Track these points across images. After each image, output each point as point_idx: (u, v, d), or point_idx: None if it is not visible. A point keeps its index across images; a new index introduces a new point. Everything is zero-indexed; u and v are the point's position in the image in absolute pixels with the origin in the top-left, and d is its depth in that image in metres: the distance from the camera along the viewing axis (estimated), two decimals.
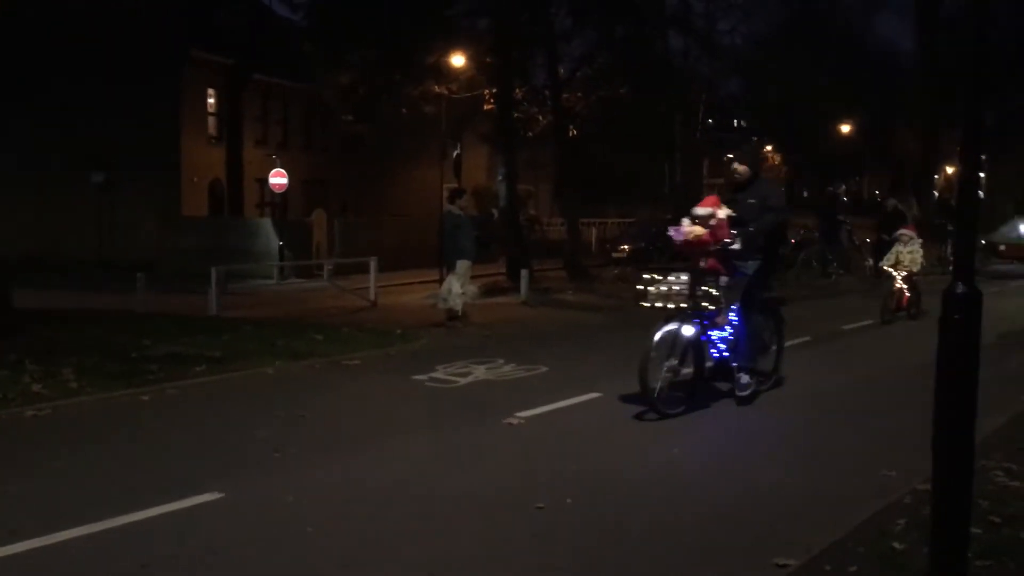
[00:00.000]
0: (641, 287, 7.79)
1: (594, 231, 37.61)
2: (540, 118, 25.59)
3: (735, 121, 56.24)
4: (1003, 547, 4.40)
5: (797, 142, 45.52)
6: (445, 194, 23.05)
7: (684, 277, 7.58)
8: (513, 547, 4.72)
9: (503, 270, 22.02)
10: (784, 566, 4.35)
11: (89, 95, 28.74)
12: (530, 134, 26.00)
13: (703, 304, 7.55)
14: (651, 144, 36.66)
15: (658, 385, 7.31)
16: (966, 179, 4.14)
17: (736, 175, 8.23)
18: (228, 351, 10.44)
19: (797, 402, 8.34)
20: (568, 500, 5.38)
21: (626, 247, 33.25)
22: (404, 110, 24.91)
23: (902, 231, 13.98)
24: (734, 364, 7.94)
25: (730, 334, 7.91)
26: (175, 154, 30.35)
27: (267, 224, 27.98)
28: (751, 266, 7.92)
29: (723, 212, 7.74)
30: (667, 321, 7.51)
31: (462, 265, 13.89)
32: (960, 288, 3.88)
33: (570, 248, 25.03)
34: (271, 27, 31.95)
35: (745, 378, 7.92)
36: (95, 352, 9.95)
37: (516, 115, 23.64)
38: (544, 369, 9.79)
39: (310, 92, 29.32)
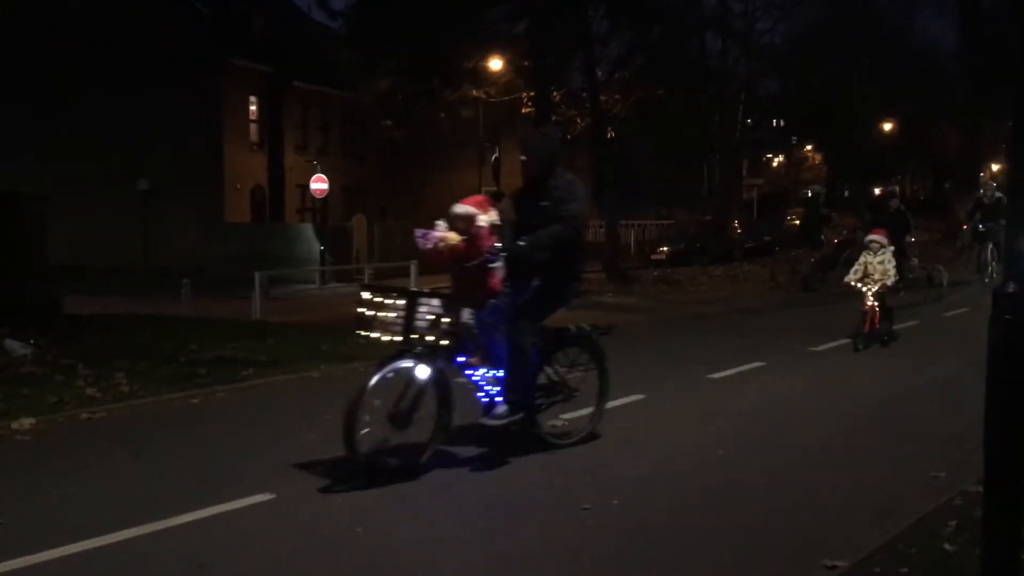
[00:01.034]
0: (362, 310, 6.01)
1: (633, 233, 37.57)
2: (578, 120, 25.62)
3: (774, 121, 55.80)
4: None
5: (837, 141, 45.04)
6: None
7: (402, 302, 5.84)
8: (561, 548, 4.75)
9: None
10: (833, 568, 4.35)
11: (132, 105, 29.33)
12: (568, 137, 26.04)
13: (430, 338, 5.75)
14: (689, 145, 36.52)
15: (371, 441, 5.67)
16: (1014, 177, 4.10)
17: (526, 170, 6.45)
18: (274, 355, 10.59)
19: (841, 404, 8.28)
20: (615, 502, 5.40)
21: (665, 248, 33.22)
22: (442, 115, 25.08)
23: (871, 237, 11.50)
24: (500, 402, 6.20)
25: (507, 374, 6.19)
26: (218, 161, 30.83)
27: (308, 229, 28.33)
28: (528, 290, 6.18)
29: (485, 218, 6.05)
30: (392, 359, 5.81)
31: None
32: (1011, 287, 3.86)
33: (609, 250, 25.01)
34: (309, 35, 32.34)
35: (502, 407, 6.18)
36: (145, 356, 10.15)
37: (554, 118, 23.69)
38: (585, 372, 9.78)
39: (349, 98, 29.61)
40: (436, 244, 6.08)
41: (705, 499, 5.52)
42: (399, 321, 5.82)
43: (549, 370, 6.54)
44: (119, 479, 6.03)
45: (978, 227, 19.49)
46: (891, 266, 11.19)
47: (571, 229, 6.06)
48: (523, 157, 6.45)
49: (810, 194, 22.07)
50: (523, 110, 24.90)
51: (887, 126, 46.07)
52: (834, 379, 9.50)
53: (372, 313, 5.96)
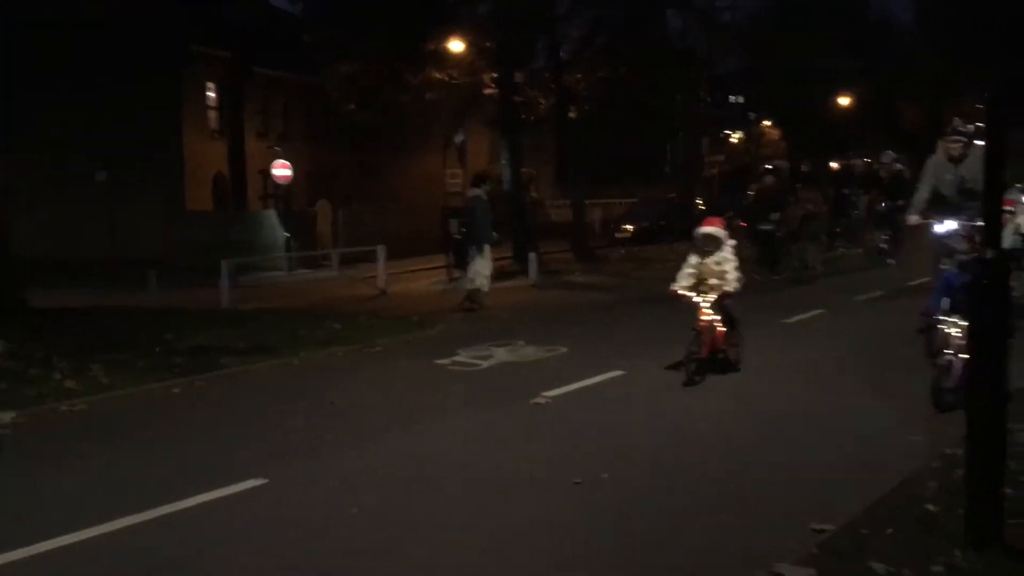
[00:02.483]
0: None
1: (598, 212, 37.70)
2: (542, 101, 25.59)
3: (730, 97, 56.10)
4: None
5: (798, 117, 45.44)
6: (448, 179, 23.01)
7: None
8: (556, 522, 4.83)
9: (508, 254, 22.11)
10: (821, 531, 4.47)
11: (91, 92, 28.78)
12: (532, 118, 26.02)
13: None
14: (652, 124, 36.67)
15: None
16: (991, 149, 4.22)
17: None
18: (251, 343, 10.56)
19: (815, 374, 8.43)
20: (604, 475, 5.50)
21: (629, 227, 33.41)
22: (406, 98, 24.92)
23: (703, 230, 8.36)
24: None
25: None
26: (177, 148, 30.42)
27: (271, 216, 28.05)
28: None
29: None
30: None
31: (486, 249, 14.18)
32: (990, 253, 4.01)
33: (576, 230, 25.10)
34: (271, 19, 31.95)
35: None
36: (120, 348, 10.07)
37: (517, 99, 23.66)
38: (564, 350, 9.89)
39: (312, 83, 29.30)
40: None
41: (689, 470, 5.63)
42: None
43: None
44: (108, 469, 6.02)
45: (877, 207, 18.17)
46: (731, 267, 8.21)
47: None
48: None
49: (773, 168, 22.18)
50: (485, 91, 24.82)
51: (844, 101, 46.51)
52: (806, 349, 9.67)
53: None
